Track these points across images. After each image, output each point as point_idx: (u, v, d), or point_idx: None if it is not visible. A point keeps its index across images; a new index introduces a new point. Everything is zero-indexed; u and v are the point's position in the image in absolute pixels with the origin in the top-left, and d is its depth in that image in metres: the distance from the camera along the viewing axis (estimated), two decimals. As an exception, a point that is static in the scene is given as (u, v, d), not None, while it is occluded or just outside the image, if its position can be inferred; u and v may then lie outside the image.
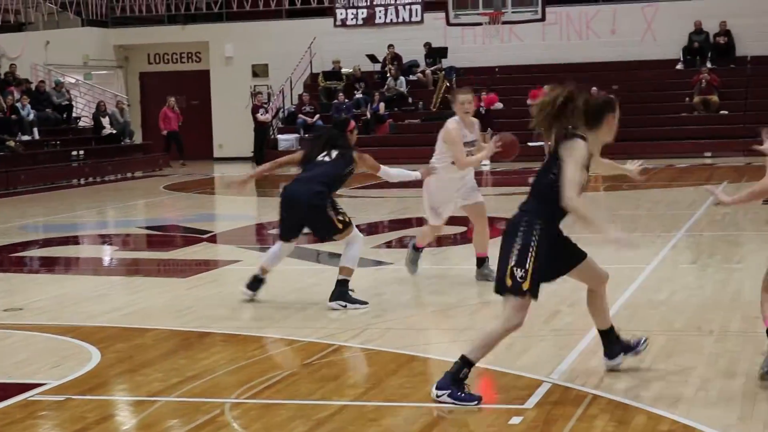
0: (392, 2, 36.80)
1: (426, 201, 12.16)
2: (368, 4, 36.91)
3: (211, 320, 10.60)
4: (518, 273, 7.41)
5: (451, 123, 11.75)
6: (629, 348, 8.21)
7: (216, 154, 37.75)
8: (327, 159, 11.09)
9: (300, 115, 35.16)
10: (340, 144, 11.20)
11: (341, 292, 10.94)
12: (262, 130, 34.83)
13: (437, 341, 9.71)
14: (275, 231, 11.94)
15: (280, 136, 34.93)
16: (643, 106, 32.25)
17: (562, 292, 11.33)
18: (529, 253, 7.41)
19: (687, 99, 33.28)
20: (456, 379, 7.47)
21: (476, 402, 7.43)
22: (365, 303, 10.95)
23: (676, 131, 32.09)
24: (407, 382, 8.10)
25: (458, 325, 10.18)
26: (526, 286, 7.41)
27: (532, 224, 7.49)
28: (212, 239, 17.14)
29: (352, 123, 11.54)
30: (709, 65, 33.97)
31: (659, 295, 11.11)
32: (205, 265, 14.42)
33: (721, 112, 32.75)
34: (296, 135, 34.76)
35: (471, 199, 12.15)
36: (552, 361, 8.55)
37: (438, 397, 7.46)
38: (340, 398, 7.72)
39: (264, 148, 34.36)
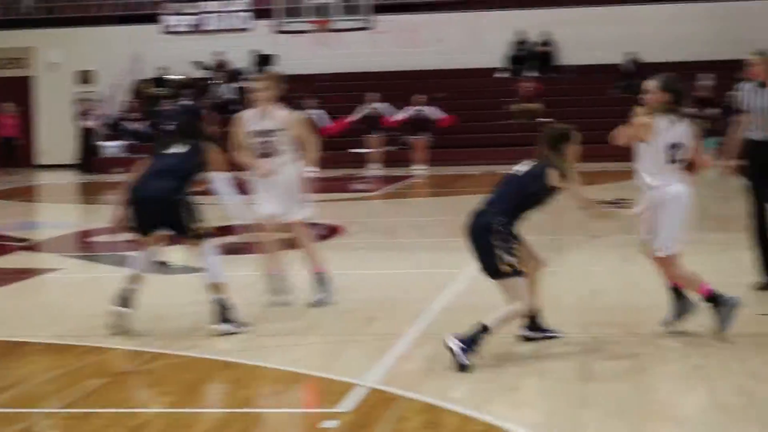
0: (221, 9, 36.70)
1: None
2: (197, 10, 36.75)
3: (28, 329, 10.45)
4: (511, 260, 8.54)
5: (243, 112, 11.35)
6: (544, 330, 9.13)
7: (40, 161, 37.09)
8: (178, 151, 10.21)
9: (125, 122, 34.83)
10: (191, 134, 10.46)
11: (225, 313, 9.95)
12: (87, 138, 34.38)
13: (253, 347, 9.67)
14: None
15: (105, 143, 34.51)
16: (469, 113, 32.69)
17: (379, 298, 11.49)
18: (512, 243, 8.60)
19: (509, 107, 33.78)
20: (474, 341, 8.35)
21: (469, 367, 8.24)
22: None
23: (498, 138, 32.37)
24: (223, 389, 8.17)
25: (272, 330, 10.18)
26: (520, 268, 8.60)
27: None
28: (31, 247, 16.87)
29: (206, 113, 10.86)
30: (534, 74, 34.61)
31: (473, 298, 11.25)
32: (24, 274, 14.19)
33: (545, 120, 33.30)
34: (122, 142, 34.41)
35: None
36: (367, 364, 8.64)
37: (453, 346, 8.28)
38: (156, 405, 7.75)
39: (90, 155, 33.95)
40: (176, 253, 15.49)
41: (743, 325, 9.30)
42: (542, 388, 7.92)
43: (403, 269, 13.76)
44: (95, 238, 18.13)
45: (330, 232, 17.29)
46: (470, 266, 9.29)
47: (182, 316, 10.93)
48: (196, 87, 35.80)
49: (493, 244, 8.61)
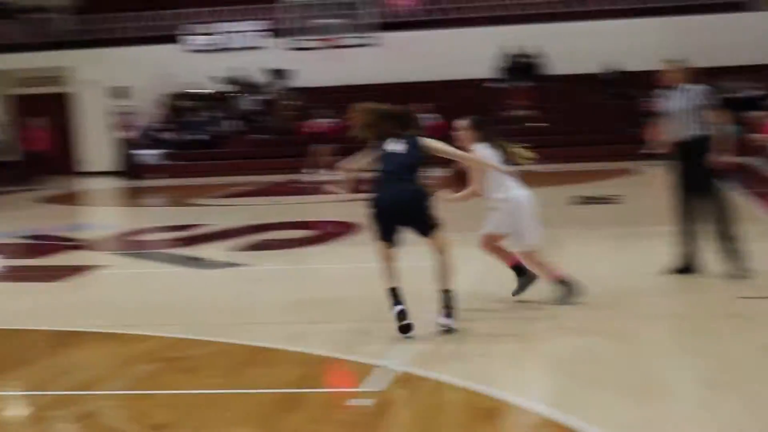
0: (238, 29, 36.84)
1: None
2: (216, 31, 36.87)
3: (83, 320, 10.50)
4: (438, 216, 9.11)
5: None
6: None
7: (84, 169, 37.16)
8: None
9: (156, 132, 34.94)
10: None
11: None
12: (124, 147, 34.49)
13: (286, 333, 9.69)
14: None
15: (141, 152, 34.59)
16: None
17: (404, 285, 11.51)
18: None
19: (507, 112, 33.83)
20: (451, 307, 9.07)
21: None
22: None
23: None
24: (259, 372, 8.19)
25: (305, 318, 10.24)
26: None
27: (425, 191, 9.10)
28: (81, 246, 16.93)
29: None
30: (523, 83, 34.66)
31: (485, 287, 11.30)
32: (77, 270, 14.24)
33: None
34: (156, 151, 34.53)
35: None
36: (393, 347, 8.67)
37: (446, 322, 9.02)
38: (199, 387, 7.79)
39: (128, 163, 34.11)
40: (212, 249, 15.66)
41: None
42: (551, 367, 7.99)
43: (424, 261, 13.76)
44: (138, 238, 18.22)
45: (351, 229, 17.35)
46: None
47: (223, 306, 11.01)
48: (218, 100, 35.89)
49: (426, 205, 9.08)
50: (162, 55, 36.11)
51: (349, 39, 34.88)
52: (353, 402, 7.23)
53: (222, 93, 36.19)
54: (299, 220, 19.78)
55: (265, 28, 36.39)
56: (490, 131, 10.22)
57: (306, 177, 29.79)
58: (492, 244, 10.32)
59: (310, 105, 33.58)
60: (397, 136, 9.34)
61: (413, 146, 9.26)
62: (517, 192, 10.07)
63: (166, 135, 34.96)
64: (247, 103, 35.56)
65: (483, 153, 9.95)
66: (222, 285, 12.65)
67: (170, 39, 36.69)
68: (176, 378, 8.08)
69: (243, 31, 36.70)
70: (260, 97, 36.02)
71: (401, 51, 35.50)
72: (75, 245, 16.92)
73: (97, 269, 14.25)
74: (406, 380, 7.73)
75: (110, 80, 36.68)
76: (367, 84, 34.11)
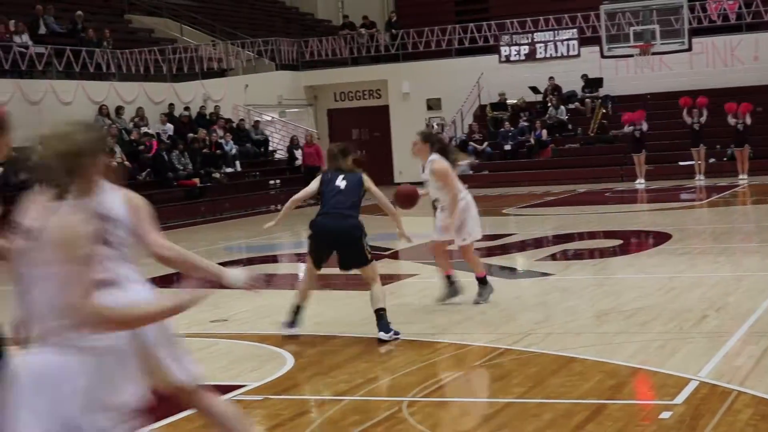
0: (551, 39, 36.63)
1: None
2: (530, 41, 36.80)
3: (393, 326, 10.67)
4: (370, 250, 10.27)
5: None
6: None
7: (396, 180, 37.97)
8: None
9: (470, 143, 35.24)
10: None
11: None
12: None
13: (593, 344, 9.60)
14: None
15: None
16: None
17: (709, 299, 11.19)
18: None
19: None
20: (386, 324, 9.91)
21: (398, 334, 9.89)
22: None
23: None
24: (567, 381, 8.06)
25: (612, 329, 10.08)
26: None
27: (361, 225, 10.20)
28: (393, 255, 17.27)
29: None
30: None
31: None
32: (386, 279, 14.49)
33: None
34: (467, 161, 34.84)
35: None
36: (700, 360, 8.40)
37: (389, 338, 9.79)
38: (506, 396, 7.73)
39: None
40: (522, 259, 15.65)
41: None
42: None
43: (730, 272, 13.35)
44: (447, 247, 18.37)
45: (660, 239, 17.01)
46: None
47: (528, 316, 10.95)
48: (532, 110, 35.88)
49: (362, 238, 10.08)
50: (477, 66, 36.41)
51: (665, 45, 34.05)
52: (663, 415, 7.00)
53: (535, 103, 36.17)
54: (609, 229, 19.48)
55: (581, 36, 36.06)
56: (440, 142, 12.04)
57: (637, 185, 29.36)
58: (441, 251, 11.92)
59: (622, 113, 33.10)
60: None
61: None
62: (466, 194, 11.86)
63: (477, 145, 35.22)
64: (559, 112, 35.39)
65: (441, 164, 11.52)
66: (530, 294, 12.61)
67: (486, 50, 36.95)
68: (481, 386, 8.07)
69: (559, 40, 36.50)
70: (572, 106, 35.77)
71: (714, 55, 34.49)
72: (387, 254, 17.24)
73: (407, 278, 14.50)
74: (715, 394, 7.43)
75: (425, 92, 37.32)
76: (679, 91, 33.32)
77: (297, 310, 10.41)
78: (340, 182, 10.24)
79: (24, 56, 28.53)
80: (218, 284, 5.41)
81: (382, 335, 9.92)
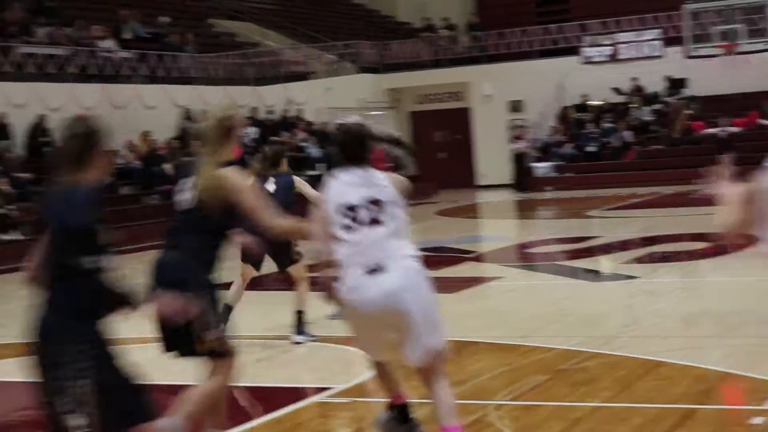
0: (634, 39, 36.30)
1: None
2: (612, 42, 36.51)
3: (476, 331, 10.67)
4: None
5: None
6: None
7: (479, 182, 37.90)
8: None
9: (553, 145, 35.12)
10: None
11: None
12: (520, 160, 34.85)
13: (681, 347, 9.52)
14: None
15: (536, 164, 34.86)
16: None
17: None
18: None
19: None
20: (303, 327, 10.29)
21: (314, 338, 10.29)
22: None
23: None
24: (655, 385, 8.00)
25: (700, 332, 9.99)
26: None
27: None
28: (477, 258, 17.24)
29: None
30: None
31: None
32: (471, 282, 14.52)
33: None
34: (551, 163, 34.69)
35: None
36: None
37: (299, 341, 10.23)
38: (593, 400, 7.68)
39: (523, 176, 34.45)
40: (607, 261, 15.56)
41: None
42: None
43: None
44: (532, 250, 18.34)
45: (748, 241, 16.75)
46: None
47: (614, 319, 10.88)
48: (615, 111, 35.60)
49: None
50: (559, 67, 36.17)
51: (751, 44, 33.58)
52: (753, 421, 6.92)
53: (618, 104, 35.88)
54: (696, 231, 19.26)
55: (664, 36, 35.70)
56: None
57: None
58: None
59: (706, 114, 32.74)
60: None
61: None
62: None
63: (560, 147, 35.04)
64: (643, 113, 35.07)
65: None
66: (616, 297, 12.52)
67: (568, 51, 36.74)
68: (568, 390, 8.01)
69: (641, 40, 36.16)
70: (656, 107, 35.43)
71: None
72: (470, 257, 17.23)
73: (492, 281, 14.45)
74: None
75: (507, 94, 37.20)
76: (764, 91, 32.87)
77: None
78: (270, 186, 10.44)
79: (109, 61, 28.95)
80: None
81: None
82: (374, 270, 6.07)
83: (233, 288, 10.64)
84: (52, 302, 4.84)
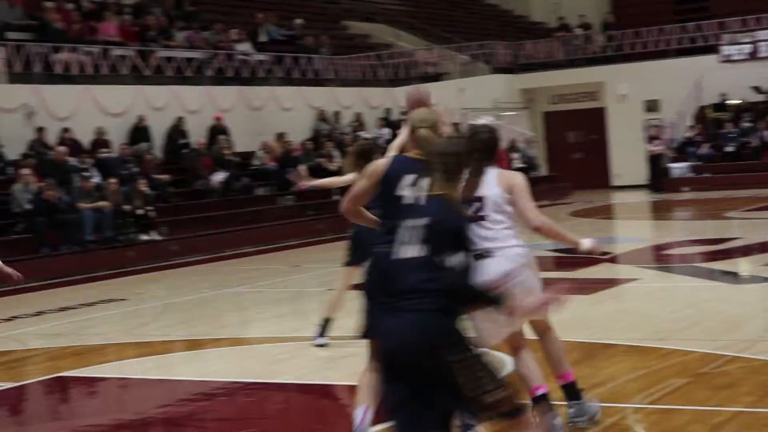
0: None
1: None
2: (752, 39, 35.73)
3: (613, 333, 10.53)
4: None
5: None
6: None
7: (613, 183, 37.46)
8: None
9: (690, 145, 34.52)
10: None
11: None
12: (656, 160, 34.33)
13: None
14: None
15: (673, 165, 34.31)
16: None
17: None
18: None
19: None
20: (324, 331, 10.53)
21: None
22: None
23: None
24: (799, 391, 7.79)
25: None
26: None
27: None
28: (613, 260, 17.02)
29: None
30: None
31: None
32: (607, 283, 14.34)
33: None
34: (688, 163, 34.11)
35: None
36: None
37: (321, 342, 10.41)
38: (735, 405, 7.50)
39: (659, 176, 33.93)
40: (746, 264, 15.23)
41: None
42: None
43: None
44: (668, 251, 18.05)
45: None
46: None
47: (755, 323, 10.63)
48: (755, 110, 34.84)
49: None
50: (696, 66, 35.55)
51: None
52: None
53: (758, 103, 35.10)
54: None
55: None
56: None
57: None
58: None
59: None
60: None
61: None
62: None
63: (698, 147, 34.42)
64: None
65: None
66: (756, 300, 12.23)
67: (706, 50, 36.08)
68: (708, 394, 7.84)
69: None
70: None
71: None
72: (605, 259, 17.00)
73: (628, 282, 14.24)
74: None
75: (643, 94, 36.69)
76: None
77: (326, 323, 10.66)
78: None
79: (246, 64, 29.35)
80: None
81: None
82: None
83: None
84: None
